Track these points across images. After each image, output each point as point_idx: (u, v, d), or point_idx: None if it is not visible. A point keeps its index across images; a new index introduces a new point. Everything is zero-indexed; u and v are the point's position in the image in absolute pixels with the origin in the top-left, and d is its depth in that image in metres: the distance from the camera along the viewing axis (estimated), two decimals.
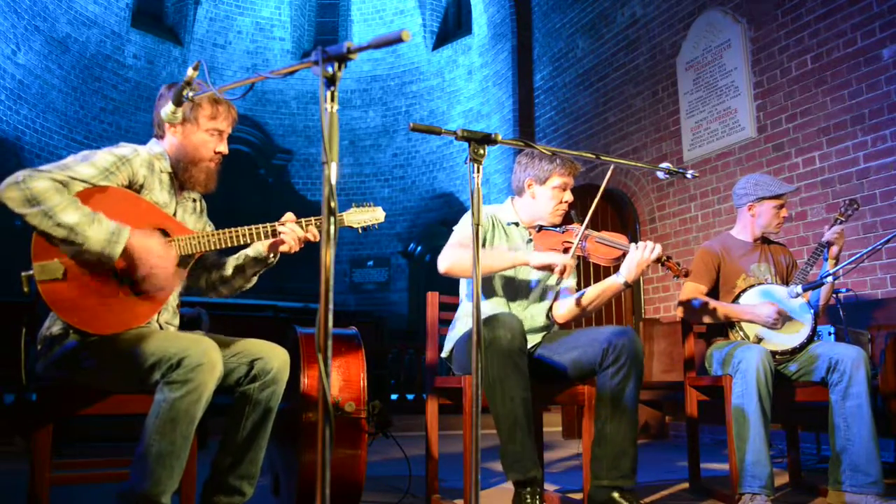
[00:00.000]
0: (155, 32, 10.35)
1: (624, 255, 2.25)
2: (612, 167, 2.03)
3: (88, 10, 9.39)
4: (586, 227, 2.27)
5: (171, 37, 10.56)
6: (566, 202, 2.42)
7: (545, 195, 2.41)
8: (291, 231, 1.91)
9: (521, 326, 2.14)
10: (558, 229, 2.39)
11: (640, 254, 2.21)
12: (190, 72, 1.57)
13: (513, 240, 2.45)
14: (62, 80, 9.11)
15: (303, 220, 1.94)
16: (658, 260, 2.24)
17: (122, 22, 9.90)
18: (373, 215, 2.13)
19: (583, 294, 2.41)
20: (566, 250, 2.28)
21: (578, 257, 2.42)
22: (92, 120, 9.47)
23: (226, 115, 1.92)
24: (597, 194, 2.20)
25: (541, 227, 2.41)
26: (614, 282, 2.30)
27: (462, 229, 2.40)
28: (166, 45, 10.45)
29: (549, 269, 2.18)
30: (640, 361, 2.18)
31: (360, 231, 2.07)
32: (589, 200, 2.24)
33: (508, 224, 2.47)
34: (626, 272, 2.25)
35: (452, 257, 2.29)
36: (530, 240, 2.45)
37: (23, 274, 1.64)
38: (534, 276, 2.44)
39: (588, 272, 5.53)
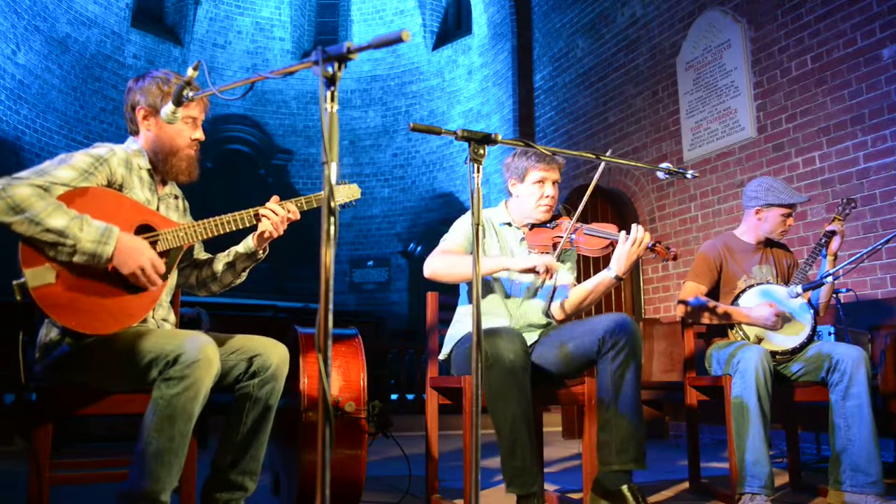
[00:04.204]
0: (155, 32, 10.35)
1: (611, 244, 2.24)
2: (601, 165, 2.02)
3: (88, 10, 9.38)
4: (576, 221, 2.26)
5: (171, 37, 10.56)
6: (548, 196, 2.38)
7: (527, 192, 2.40)
8: (272, 213, 1.91)
9: (524, 342, 2.13)
10: (549, 225, 2.39)
11: (629, 248, 2.20)
12: (190, 72, 1.57)
13: (506, 240, 2.46)
14: (62, 80, 9.11)
15: (284, 202, 1.94)
16: (650, 248, 2.22)
17: (122, 22, 9.90)
18: (349, 192, 2.12)
19: (576, 290, 2.41)
20: (555, 245, 2.27)
21: (571, 251, 2.42)
22: (92, 120, 9.47)
23: (198, 103, 1.91)
24: (595, 192, 2.19)
25: (533, 225, 2.41)
26: (605, 276, 2.29)
27: (451, 235, 2.40)
28: (166, 45, 10.45)
29: (532, 271, 2.16)
30: (638, 345, 2.16)
31: (338, 209, 2.06)
32: (588, 199, 2.24)
33: (501, 225, 2.48)
34: (617, 266, 2.23)
35: (435, 264, 2.31)
36: (523, 238, 2.45)
37: (14, 283, 1.61)
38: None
39: (590, 265, 5.53)
